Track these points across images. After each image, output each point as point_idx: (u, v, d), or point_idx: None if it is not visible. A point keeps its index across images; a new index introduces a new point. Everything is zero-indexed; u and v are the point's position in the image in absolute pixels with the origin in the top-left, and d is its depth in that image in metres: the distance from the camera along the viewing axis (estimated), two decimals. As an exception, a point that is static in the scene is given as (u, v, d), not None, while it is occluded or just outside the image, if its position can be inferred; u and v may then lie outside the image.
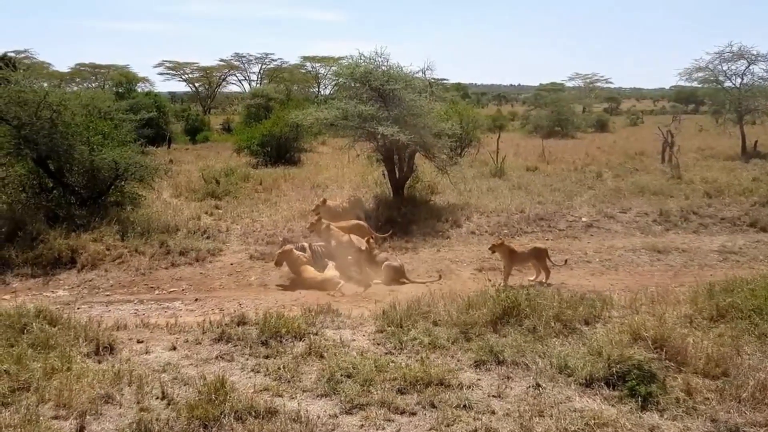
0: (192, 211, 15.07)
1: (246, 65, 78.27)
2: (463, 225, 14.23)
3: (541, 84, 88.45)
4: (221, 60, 77.46)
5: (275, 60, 78.25)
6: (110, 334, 7.55)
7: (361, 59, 15.67)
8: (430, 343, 7.21)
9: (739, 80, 27.65)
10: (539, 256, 10.63)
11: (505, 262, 10.52)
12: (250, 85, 75.87)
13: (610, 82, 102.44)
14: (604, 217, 14.84)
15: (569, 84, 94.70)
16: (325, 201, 13.52)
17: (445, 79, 70.79)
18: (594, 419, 5.47)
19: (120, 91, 39.88)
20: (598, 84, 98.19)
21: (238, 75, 79.14)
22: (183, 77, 76.47)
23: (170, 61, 75.59)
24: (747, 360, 6.53)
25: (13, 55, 54.56)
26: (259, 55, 77.58)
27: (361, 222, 12.71)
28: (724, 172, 21.02)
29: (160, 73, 75.85)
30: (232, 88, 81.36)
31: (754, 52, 26.77)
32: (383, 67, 15.34)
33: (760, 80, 27.50)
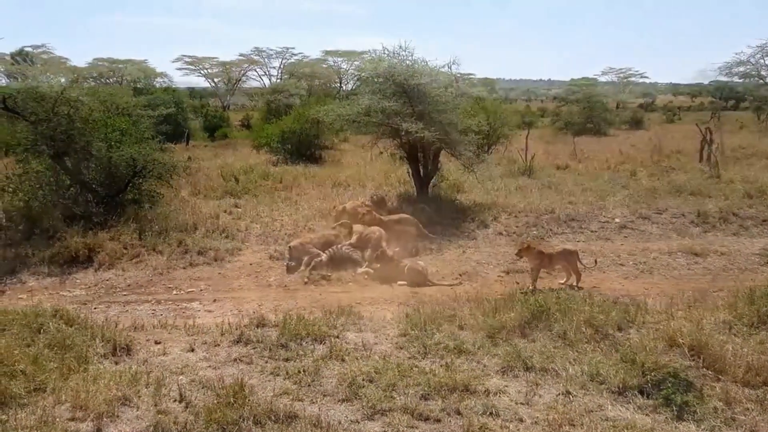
0: (210, 209, 15.18)
1: (266, 60, 78.56)
2: (490, 225, 14.16)
3: (572, 79, 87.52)
4: (241, 55, 77.91)
5: (296, 54, 78.48)
6: (127, 335, 7.66)
7: (384, 53, 15.68)
8: (455, 348, 7.21)
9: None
10: (569, 258, 10.53)
11: (532, 264, 10.42)
12: (270, 80, 76.22)
13: (645, 77, 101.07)
14: (639, 218, 14.69)
15: (602, 79, 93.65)
16: (344, 209, 13.55)
17: (472, 74, 70.51)
18: (627, 429, 5.43)
19: (138, 86, 40.37)
20: (633, 79, 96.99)
21: (258, 70, 79.51)
22: (202, 72, 77.09)
23: (189, 56, 76.23)
24: (790, 369, 6.43)
25: (30, 50, 55.57)
26: (279, 50, 77.86)
27: (407, 216, 12.97)
28: (767, 171, 20.68)
29: (179, 68, 76.51)
30: (252, 83, 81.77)
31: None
32: (407, 62, 15.31)
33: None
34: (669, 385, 6.00)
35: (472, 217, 14.47)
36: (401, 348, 7.36)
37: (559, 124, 42.85)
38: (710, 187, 17.74)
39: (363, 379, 6.31)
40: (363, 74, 17.63)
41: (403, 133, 14.79)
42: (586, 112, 40.86)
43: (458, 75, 19.39)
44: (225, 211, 15.29)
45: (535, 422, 5.61)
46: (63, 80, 16.82)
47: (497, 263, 11.87)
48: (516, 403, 5.97)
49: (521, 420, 5.65)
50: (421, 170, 15.98)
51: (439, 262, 11.95)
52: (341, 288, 10.56)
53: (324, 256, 11.50)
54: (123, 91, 21.44)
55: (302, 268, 11.26)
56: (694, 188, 17.43)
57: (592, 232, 14.01)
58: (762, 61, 27.16)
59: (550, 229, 14.04)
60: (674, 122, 50.59)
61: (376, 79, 15.79)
